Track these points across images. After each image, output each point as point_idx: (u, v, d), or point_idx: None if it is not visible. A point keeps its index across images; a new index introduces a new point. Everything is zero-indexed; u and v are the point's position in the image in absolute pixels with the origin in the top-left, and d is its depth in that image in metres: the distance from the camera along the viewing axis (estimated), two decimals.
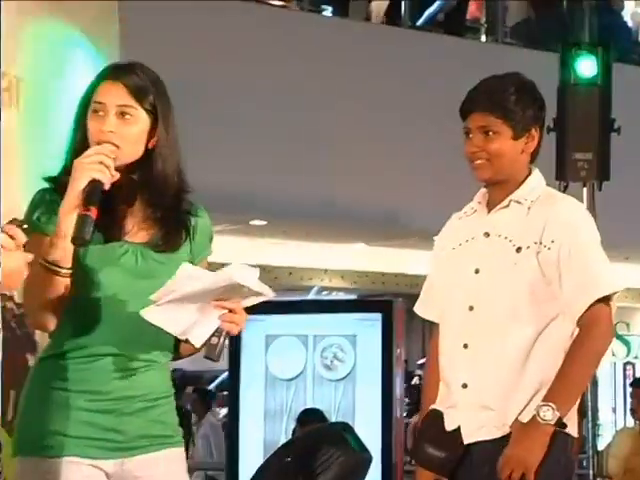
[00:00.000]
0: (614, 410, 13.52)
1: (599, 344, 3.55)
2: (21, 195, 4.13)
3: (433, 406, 3.61)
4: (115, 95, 2.99)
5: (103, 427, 3.02)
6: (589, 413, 6.72)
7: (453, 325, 3.58)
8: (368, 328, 7.93)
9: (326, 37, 9.86)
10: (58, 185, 2.98)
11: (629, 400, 7.60)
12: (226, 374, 9.04)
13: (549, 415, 3.43)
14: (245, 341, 7.22)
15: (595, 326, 3.50)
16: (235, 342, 8.76)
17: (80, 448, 3.00)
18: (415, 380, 12.99)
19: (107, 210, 2.95)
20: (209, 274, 2.88)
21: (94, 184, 2.89)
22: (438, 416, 3.59)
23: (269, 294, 2.91)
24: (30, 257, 2.65)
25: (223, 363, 9.62)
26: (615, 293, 3.55)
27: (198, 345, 2.97)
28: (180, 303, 2.89)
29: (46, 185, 3.03)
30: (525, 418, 3.47)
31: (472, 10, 11.89)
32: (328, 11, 10.83)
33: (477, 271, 3.56)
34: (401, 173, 9.48)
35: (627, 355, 14.09)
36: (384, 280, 14.50)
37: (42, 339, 4.24)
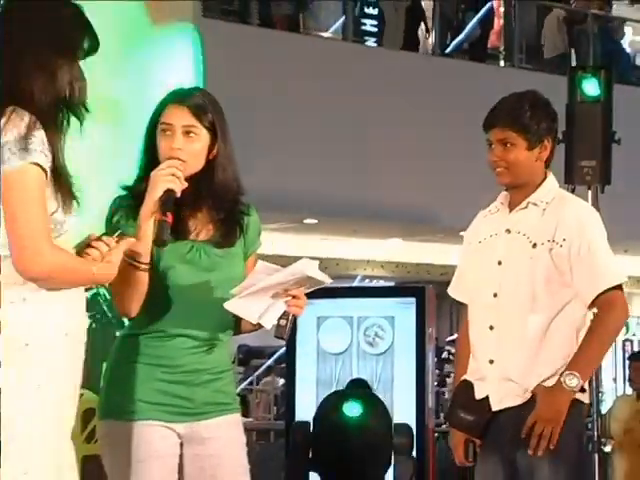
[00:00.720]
0: (614, 380, 13.44)
1: (616, 324, 3.55)
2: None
3: (464, 377, 3.60)
4: (180, 117, 3.02)
5: (176, 395, 3.04)
6: (594, 382, 6.67)
7: (480, 309, 3.58)
8: (404, 310, 7.92)
9: (367, 63, 9.85)
10: (133, 193, 3.03)
11: (627, 371, 7.53)
12: (284, 349, 9.05)
13: (574, 382, 3.43)
14: (299, 322, 7.22)
15: (612, 309, 3.50)
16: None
17: (156, 413, 3.02)
18: (444, 354, 12.97)
19: (175, 214, 2.97)
20: (282, 269, 2.92)
21: (168, 193, 2.95)
22: (469, 386, 3.58)
23: (327, 281, 2.95)
24: (119, 258, 2.73)
25: (280, 341, 9.59)
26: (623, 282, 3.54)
27: (269, 327, 2.98)
28: (256, 294, 2.93)
29: (122, 192, 3.07)
30: (549, 384, 3.45)
31: (492, 40, 11.83)
32: (371, 41, 10.81)
33: (500, 263, 3.55)
34: (431, 181, 9.47)
35: (626, 333, 14.01)
36: (417, 269, 14.50)
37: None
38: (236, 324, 3.11)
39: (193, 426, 3.05)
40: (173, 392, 3.04)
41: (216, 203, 3.06)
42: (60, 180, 2.68)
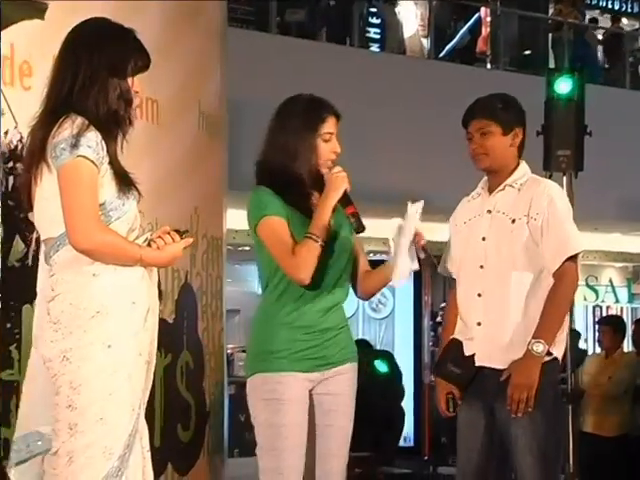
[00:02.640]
0: (586, 341, 13.42)
1: (569, 291, 3.58)
2: (153, 195, 4.15)
3: (454, 336, 3.63)
4: (335, 126, 3.23)
5: (313, 351, 3.19)
6: (568, 342, 6.68)
7: (468, 280, 3.62)
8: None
9: (371, 66, 9.84)
10: (275, 186, 3.18)
11: (597, 334, 7.55)
12: None
13: (540, 348, 3.45)
14: None
15: (565, 278, 3.52)
16: None
17: (298, 365, 3.18)
18: (438, 318, 12.98)
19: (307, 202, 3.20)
20: (405, 229, 3.27)
21: (345, 190, 3.20)
22: (458, 344, 3.61)
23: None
24: (180, 248, 2.85)
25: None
26: (581, 252, 3.56)
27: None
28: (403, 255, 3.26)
29: (260, 187, 3.20)
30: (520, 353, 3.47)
31: (480, 45, 11.81)
32: (374, 47, 10.79)
33: (484, 239, 3.60)
34: (428, 170, 9.46)
35: (596, 300, 14.01)
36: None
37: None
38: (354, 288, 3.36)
39: (324, 374, 3.22)
40: (311, 347, 3.18)
41: None
42: (115, 172, 2.74)
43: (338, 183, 3.17)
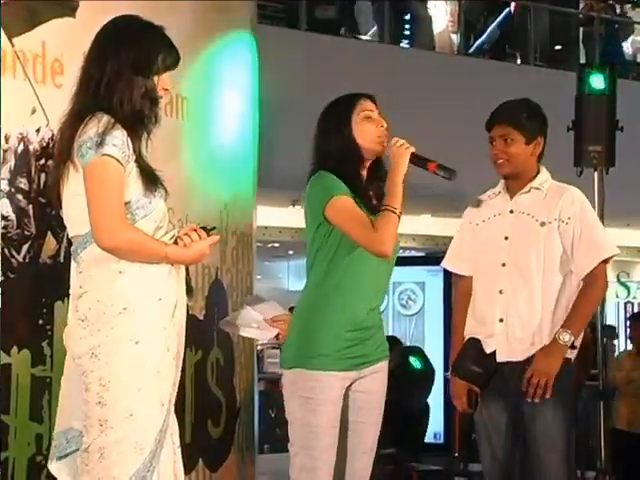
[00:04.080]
0: (617, 337, 13.37)
1: (600, 292, 3.66)
2: (183, 191, 4.17)
3: (472, 335, 3.65)
4: (372, 106, 3.30)
5: (355, 349, 3.18)
6: (599, 339, 6.64)
7: (489, 277, 3.65)
8: (433, 277, 7.94)
9: (402, 62, 9.82)
10: (338, 169, 3.20)
11: (628, 330, 7.50)
12: None
13: (567, 337, 3.50)
14: None
15: (598, 280, 3.60)
16: None
17: (339, 364, 3.16)
18: None
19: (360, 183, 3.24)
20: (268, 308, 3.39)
21: (414, 154, 3.24)
22: (477, 342, 3.63)
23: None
24: (206, 245, 2.86)
25: None
26: (613, 256, 3.64)
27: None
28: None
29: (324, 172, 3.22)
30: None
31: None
32: (404, 43, 10.76)
33: (506, 238, 3.63)
34: (461, 164, 9.41)
35: (627, 296, 13.93)
36: (445, 242, 14.36)
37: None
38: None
39: (362, 372, 3.22)
40: (353, 347, 3.17)
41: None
42: (142, 170, 2.74)
43: (401, 152, 3.22)
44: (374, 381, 3.25)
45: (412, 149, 3.24)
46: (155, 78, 2.81)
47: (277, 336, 3.31)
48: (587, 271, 3.56)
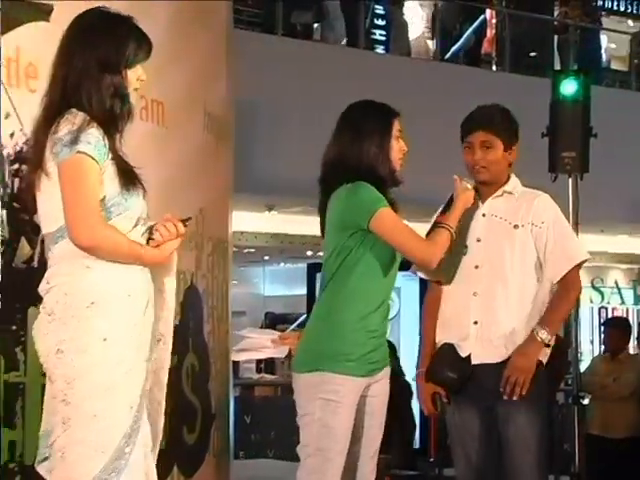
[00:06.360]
0: (592, 342, 13.42)
1: (575, 295, 3.72)
2: (158, 197, 4.13)
3: (445, 340, 3.66)
4: (401, 125, 3.42)
5: (373, 355, 3.26)
6: (574, 344, 6.67)
7: (463, 280, 3.65)
8: (409, 282, 7.93)
9: (376, 68, 9.83)
10: (376, 181, 3.31)
11: (602, 335, 7.53)
12: (304, 316, 9.06)
13: (545, 335, 3.54)
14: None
15: (573, 283, 3.64)
16: (310, 294, 8.75)
17: (360, 369, 3.23)
18: None
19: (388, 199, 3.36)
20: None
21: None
22: (452, 347, 3.63)
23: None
24: (177, 245, 2.81)
25: (302, 308, 9.60)
26: (586, 261, 3.69)
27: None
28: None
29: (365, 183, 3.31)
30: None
31: (485, 47, 11.79)
32: (380, 49, 10.78)
33: (479, 240, 3.64)
34: (436, 170, 9.45)
35: (601, 302, 13.99)
36: None
37: None
38: None
39: (373, 377, 3.30)
40: (371, 352, 3.26)
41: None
42: (118, 167, 2.72)
43: (469, 196, 3.49)
44: (381, 386, 3.34)
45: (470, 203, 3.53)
46: (127, 71, 2.76)
47: (289, 352, 3.41)
48: (561, 276, 3.59)
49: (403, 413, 7.06)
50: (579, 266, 3.66)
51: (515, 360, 3.51)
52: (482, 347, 3.58)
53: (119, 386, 2.67)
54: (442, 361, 3.64)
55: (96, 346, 2.65)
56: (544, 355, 3.59)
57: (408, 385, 7.07)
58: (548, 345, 3.56)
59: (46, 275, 2.74)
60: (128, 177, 2.74)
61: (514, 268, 3.59)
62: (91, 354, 2.64)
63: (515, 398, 3.49)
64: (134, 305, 2.72)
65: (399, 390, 6.63)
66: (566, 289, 3.60)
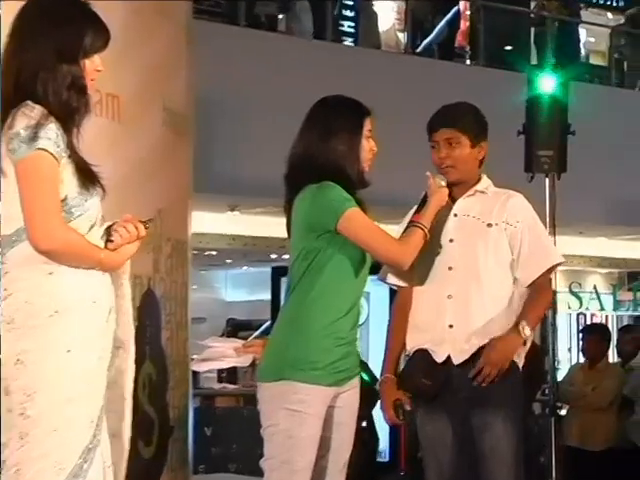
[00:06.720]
0: (569, 350, 13.50)
1: (549, 299, 3.81)
2: (114, 197, 4.11)
3: (418, 346, 3.67)
4: (372, 125, 3.42)
5: (341, 362, 3.24)
6: (551, 352, 6.71)
7: (436, 282, 3.66)
8: (379, 287, 7.91)
9: (345, 61, 9.84)
10: (344, 182, 3.31)
11: (581, 343, 7.58)
12: (269, 322, 9.06)
13: (528, 331, 3.58)
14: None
15: (546, 287, 3.71)
16: (275, 300, 8.74)
17: (329, 378, 3.21)
18: None
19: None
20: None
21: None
22: (425, 353, 3.64)
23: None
24: (135, 248, 2.78)
25: (267, 314, 9.60)
26: (559, 265, 3.75)
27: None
28: None
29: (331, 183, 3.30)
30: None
31: (459, 39, 11.84)
32: (348, 41, 10.79)
33: (452, 240, 3.66)
34: (406, 167, 9.47)
35: (580, 307, 14.05)
36: None
37: None
38: None
39: (343, 387, 3.28)
40: (339, 361, 3.23)
41: None
42: (77, 166, 2.69)
43: (443, 197, 3.51)
44: (351, 396, 3.31)
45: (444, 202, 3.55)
46: (84, 61, 2.71)
47: (253, 361, 3.40)
48: (532, 279, 3.62)
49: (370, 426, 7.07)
50: (551, 270, 3.68)
51: (491, 354, 3.53)
52: (460, 350, 3.60)
53: (81, 399, 2.65)
54: (416, 367, 3.65)
55: (59, 358, 2.62)
56: (518, 356, 3.60)
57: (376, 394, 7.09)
58: (525, 343, 3.60)
59: (3, 281, 2.69)
60: (87, 176, 2.71)
61: (489, 269, 3.62)
62: (54, 366, 2.61)
63: (484, 384, 3.52)
64: (98, 313, 2.71)
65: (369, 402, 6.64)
66: (538, 292, 3.66)
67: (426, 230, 3.39)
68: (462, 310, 3.61)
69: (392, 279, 3.80)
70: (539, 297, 3.65)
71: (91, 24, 2.74)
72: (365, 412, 6.96)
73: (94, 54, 2.74)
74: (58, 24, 2.68)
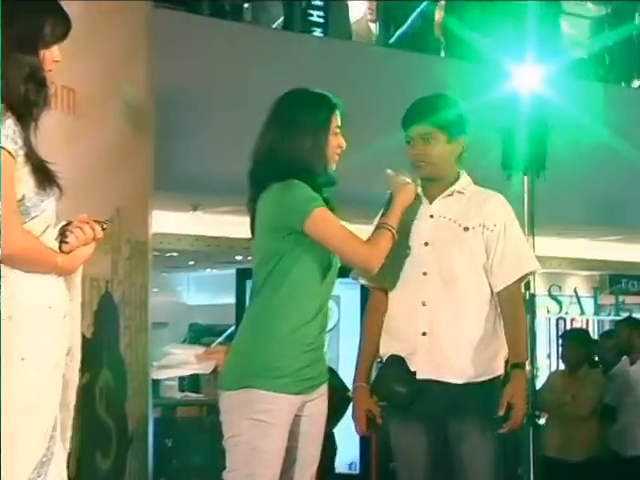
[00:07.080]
0: (549, 356, 13.55)
1: (524, 314, 3.83)
2: (69, 195, 4.10)
3: (393, 353, 3.67)
4: (337, 121, 3.41)
5: (308, 369, 3.25)
6: (529, 358, 6.74)
7: (409, 288, 3.67)
8: (349, 290, 7.95)
9: (313, 52, 9.85)
10: (310, 179, 3.31)
11: (560, 349, 7.63)
12: (234, 327, 9.05)
13: (527, 364, 3.65)
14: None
15: (517, 296, 3.72)
16: (240, 304, 8.73)
17: (295, 386, 3.21)
18: None
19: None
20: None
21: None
22: (400, 359, 3.65)
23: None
24: (91, 251, 2.76)
25: (231, 319, 9.59)
26: (531, 273, 3.79)
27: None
28: None
29: (294, 181, 3.30)
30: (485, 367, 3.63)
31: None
32: (317, 32, 10.80)
33: (427, 244, 3.66)
34: (377, 163, 9.48)
35: (559, 312, 14.13)
36: None
37: None
38: None
39: (311, 395, 3.28)
40: (306, 368, 3.24)
41: None
42: (34, 164, 2.66)
43: (409, 194, 3.51)
44: (319, 405, 3.32)
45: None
46: (43, 52, 2.69)
47: (215, 368, 3.39)
48: (504, 285, 3.63)
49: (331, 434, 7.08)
50: (523, 278, 3.70)
51: (519, 408, 3.58)
52: (433, 361, 3.60)
53: (37, 409, 2.63)
54: (390, 374, 3.66)
55: (14, 366, 2.60)
56: (498, 363, 3.63)
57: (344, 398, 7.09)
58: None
59: None
60: (45, 175, 2.68)
61: (464, 275, 3.62)
62: (7, 375, 2.59)
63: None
64: (53, 318, 2.69)
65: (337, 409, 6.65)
66: (512, 305, 3.64)
67: (394, 231, 3.40)
68: (437, 317, 3.62)
69: (364, 279, 3.80)
70: (515, 321, 3.65)
71: (52, 12, 2.72)
72: (333, 422, 6.97)
73: (54, 44, 2.71)
74: (17, 10, 2.66)
